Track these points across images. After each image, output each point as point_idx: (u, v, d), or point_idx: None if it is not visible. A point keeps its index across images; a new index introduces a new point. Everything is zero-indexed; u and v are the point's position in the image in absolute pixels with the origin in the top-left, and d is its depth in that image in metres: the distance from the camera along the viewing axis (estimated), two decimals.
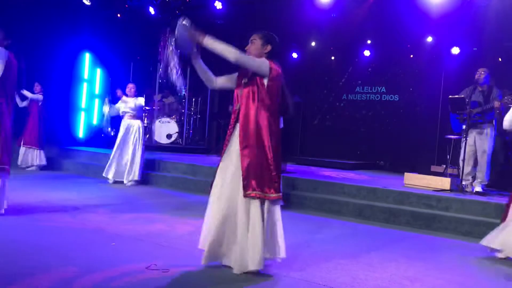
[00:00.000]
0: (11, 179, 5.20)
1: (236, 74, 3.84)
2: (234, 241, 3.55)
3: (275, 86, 3.65)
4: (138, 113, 8.27)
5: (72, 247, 4.05)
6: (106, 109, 8.21)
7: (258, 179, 3.52)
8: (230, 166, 3.63)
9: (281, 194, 3.63)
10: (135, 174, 8.02)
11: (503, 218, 4.67)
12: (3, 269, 3.34)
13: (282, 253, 3.63)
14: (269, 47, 3.72)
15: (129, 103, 8.19)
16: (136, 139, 8.11)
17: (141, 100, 8.28)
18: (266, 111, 3.59)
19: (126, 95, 8.30)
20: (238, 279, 3.49)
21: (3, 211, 4.94)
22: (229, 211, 3.57)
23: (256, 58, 3.63)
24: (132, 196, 6.99)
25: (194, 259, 3.85)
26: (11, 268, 3.37)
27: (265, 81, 3.61)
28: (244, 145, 3.56)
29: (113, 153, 8.09)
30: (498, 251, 4.54)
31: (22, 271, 3.31)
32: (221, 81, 3.89)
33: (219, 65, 4.02)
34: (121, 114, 8.24)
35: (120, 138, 8.12)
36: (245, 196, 3.50)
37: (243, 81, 3.72)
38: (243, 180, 3.52)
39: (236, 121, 3.70)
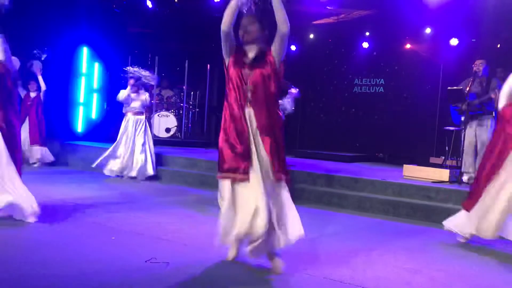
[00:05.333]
0: None
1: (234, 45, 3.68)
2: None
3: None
4: (143, 109, 8.29)
5: (72, 242, 4.05)
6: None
7: None
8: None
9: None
10: (151, 169, 8.03)
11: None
12: (4, 265, 3.34)
13: None
14: (267, 32, 3.68)
15: (135, 99, 8.19)
16: (147, 134, 8.15)
17: (147, 96, 8.30)
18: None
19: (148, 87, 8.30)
20: (238, 273, 3.50)
21: None
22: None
23: None
24: (131, 190, 6.99)
25: (194, 252, 3.86)
26: (11, 264, 3.38)
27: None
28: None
29: (119, 147, 8.08)
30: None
31: (23, 267, 3.32)
32: (232, 35, 3.65)
33: None
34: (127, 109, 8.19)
35: (127, 133, 8.10)
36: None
37: (248, 61, 3.63)
38: None
39: None
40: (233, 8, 3.54)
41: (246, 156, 3.49)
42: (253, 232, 3.39)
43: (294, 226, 3.50)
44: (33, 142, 9.08)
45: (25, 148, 9.00)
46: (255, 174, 3.47)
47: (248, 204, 3.43)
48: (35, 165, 9.07)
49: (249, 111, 3.55)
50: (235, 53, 3.68)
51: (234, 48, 3.68)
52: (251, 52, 3.63)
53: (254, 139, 3.53)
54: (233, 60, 3.65)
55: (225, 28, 3.54)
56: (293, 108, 6.93)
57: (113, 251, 3.84)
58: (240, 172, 3.48)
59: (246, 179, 3.46)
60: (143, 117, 8.23)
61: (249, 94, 3.55)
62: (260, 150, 3.52)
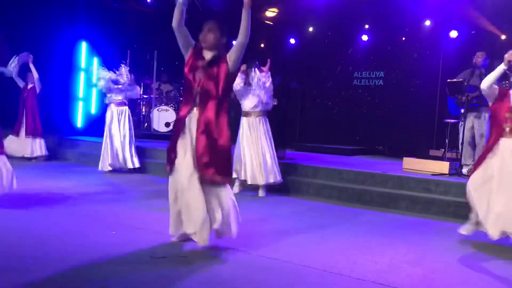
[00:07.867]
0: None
1: (193, 43, 3.83)
2: None
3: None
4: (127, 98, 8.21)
5: (73, 236, 4.06)
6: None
7: None
8: None
9: None
10: (136, 161, 8.04)
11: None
12: (5, 258, 3.36)
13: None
14: (225, 39, 3.76)
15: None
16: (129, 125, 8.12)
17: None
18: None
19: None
20: (240, 270, 3.51)
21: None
22: None
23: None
24: (131, 185, 7.00)
25: (192, 245, 3.87)
26: (12, 257, 3.39)
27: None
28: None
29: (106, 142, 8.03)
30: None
31: (24, 260, 3.33)
32: (184, 32, 3.83)
33: None
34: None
35: (110, 125, 8.04)
36: None
37: (201, 64, 3.73)
38: None
39: None
40: (180, 6, 3.70)
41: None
42: None
43: None
44: (28, 133, 9.02)
45: (20, 140, 9.00)
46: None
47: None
48: (33, 160, 9.05)
49: (194, 114, 3.70)
50: (194, 54, 3.79)
51: (190, 45, 3.81)
52: (207, 56, 3.75)
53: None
54: (190, 62, 3.77)
55: (173, 24, 3.76)
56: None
57: (115, 245, 3.84)
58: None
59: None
60: (125, 107, 8.14)
61: (197, 98, 3.67)
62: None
